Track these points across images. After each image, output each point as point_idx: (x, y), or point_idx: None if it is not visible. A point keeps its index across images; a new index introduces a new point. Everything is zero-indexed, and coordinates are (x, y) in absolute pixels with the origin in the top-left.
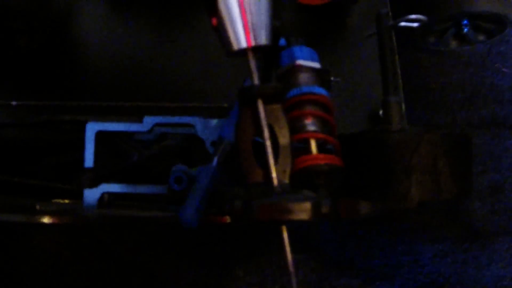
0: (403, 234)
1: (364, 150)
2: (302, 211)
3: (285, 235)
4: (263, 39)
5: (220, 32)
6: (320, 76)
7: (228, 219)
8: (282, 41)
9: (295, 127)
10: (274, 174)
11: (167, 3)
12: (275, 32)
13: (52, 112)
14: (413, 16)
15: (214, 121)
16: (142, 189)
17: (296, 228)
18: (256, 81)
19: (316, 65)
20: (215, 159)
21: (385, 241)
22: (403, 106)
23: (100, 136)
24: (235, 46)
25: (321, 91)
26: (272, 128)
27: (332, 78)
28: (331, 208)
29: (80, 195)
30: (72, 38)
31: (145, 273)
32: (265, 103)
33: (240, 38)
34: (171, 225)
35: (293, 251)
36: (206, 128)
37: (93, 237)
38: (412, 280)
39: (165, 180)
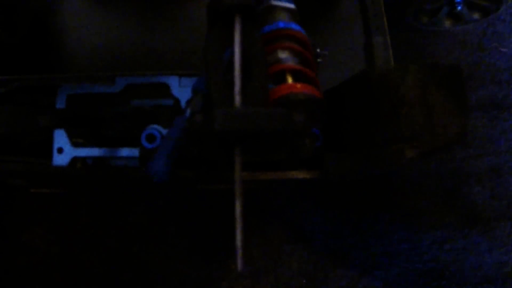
0: (401, 221)
1: (349, 96)
2: (270, 118)
3: (238, 158)
4: None
5: None
6: (295, 16)
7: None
8: None
9: (271, 61)
10: (237, 92)
11: None
12: None
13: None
14: None
15: (188, 80)
16: (114, 152)
17: (290, 218)
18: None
19: (291, 5)
20: (188, 110)
21: (381, 229)
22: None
23: (73, 101)
24: None
25: (297, 27)
26: (247, 54)
27: (318, 50)
28: (305, 122)
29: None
30: (51, 30)
31: (137, 265)
32: (242, 21)
33: None
34: (142, 180)
35: (288, 241)
36: (181, 86)
37: (81, 232)
38: (410, 268)
39: (139, 144)
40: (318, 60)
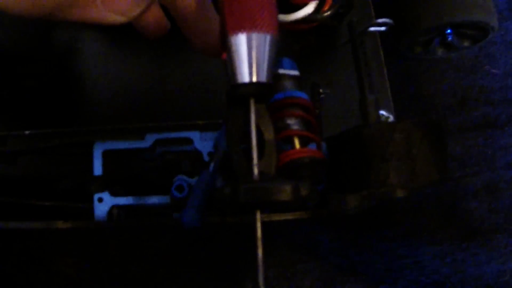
0: (403, 238)
1: (346, 146)
2: (282, 192)
3: (258, 218)
4: (264, 77)
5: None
6: (299, 82)
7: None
8: None
9: (280, 127)
10: (255, 167)
11: (163, 37)
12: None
13: (62, 138)
14: (380, 20)
15: (209, 134)
16: (147, 200)
17: (302, 240)
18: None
19: (296, 73)
20: (212, 165)
21: (385, 246)
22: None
23: (107, 155)
24: (239, 80)
25: (302, 94)
26: (258, 126)
27: (321, 91)
28: (311, 192)
29: (91, 214)
30: (74, 74)
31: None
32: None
33: (244, 74)
34: (176, 228)
35: (299, 261)
36: (203, 140)
37: (110, 260)
38: (414, 281)
39: (168, 191)
40: (321, 96)
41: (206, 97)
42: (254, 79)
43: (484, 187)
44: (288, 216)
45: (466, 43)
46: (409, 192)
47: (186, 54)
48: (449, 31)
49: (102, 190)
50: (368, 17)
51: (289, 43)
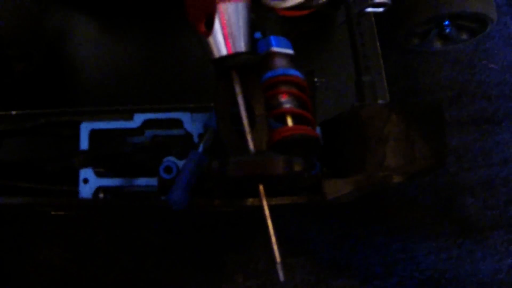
0: (398, 233)
1: (342, 128)
2: (275, 165)
3: (263, 193)
4: (242, 47)
5: (204, 42)
6: (293, 61)
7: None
8: (258, 34)
9: (273, 105)
10: (250, 140)
11: (151, 21)
12: (251, 25)
13: (48, 118)
14: (377, 0)
15: (200, 116)
16: (134, 181)
17: (294, 233)
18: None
19: (290, 51)
20: (201, 146)
21: (380, 241)
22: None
23: (94, 135)
24: (216, 54)
25: (295, 72)
26: (248, 99)
27: (316, 79)
28: (304, 168)
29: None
30: (65, 57)
31: (148, 281)
32: (240, 74)
33: (221, 47)
34: (162, 210)
35: (291, 254)
36: (193, 122)
37: (98, 251)
38: (408, 277)
39: (157, 173)
40: (317, 84)
41: (197, 81)
42: (232, 50)
43: (481, 182)
44: (280, 201)
45: (464, 36)
46: (406, 180)
47: (177, 37)
48: (447, 22)
49: (86, 165)
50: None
51: (285, 30)
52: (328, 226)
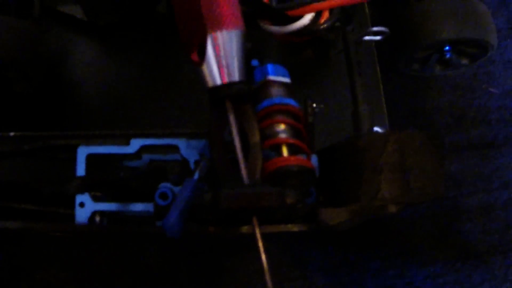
0: (394, 258)
1: (338, 157)
2: (267, 198)
3: (256, 224)
4: (236, 76)
5: (199, 72)
6: (290, 90)
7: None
8: (255, 62)
9: (268, 135)
10: (243, 170)
11: (150, 47)
12: (247, 54)
13: (46, 140)
14: (375, 29)
15: (196, 142)
16: (130, 207)
17: (290, 257)
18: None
19: (287, 80)
20: (196, 173)
21: (376, 266)
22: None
23: (91, 159)
24: (210, 83)
25: (291, 102)
26: (242, 128)
27: (315, 105)
28: (297, 201)
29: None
30: (64, 80)
31: None
32: (234, 104)
33: (215, 77)
34: (157, 236)
35: (287, 279)
36: (189, 148)
37: (95, 271)
38: None
39: (153, 199)
40: (315, 110)
41: (194, 106)
42: (226, 79)
43: (479, 207)
44: (276, 229)
45: (464, 61)
46: (401, 209)
47: (176, 63)
48: (447, 48)
49: (82, 191)
50: (365, 29)
51: (284, 56)
52: (324, 251)
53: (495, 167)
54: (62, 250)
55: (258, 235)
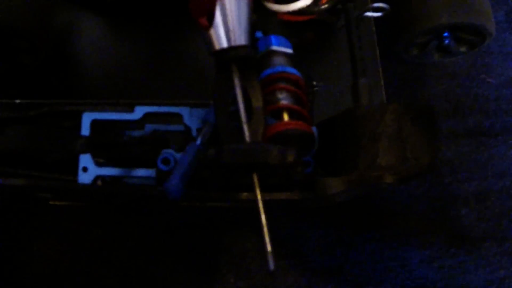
0: (390, 240)
1: (337, 128)
2: (269, 154)
3: (256, 181)
4: (242, 40)
5: (206, 35)
6: (292, 60)
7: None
8: (259, 34)
9: (270, 101)
10: (246, 130)
11: (156, 20)
12: (252, 23)
13: (51, 107)
14: (375, 5)
15: (199, 111)
16: (133, 172)
17: (287, 235)
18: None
19: (289, 50)
20: (199, 138)
21: (372, 247)
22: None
23: (96, 126)
24: (217, 46)
25: (293, 70)
26: (246, 92)
27: (315, 83)
28: (296, 159)
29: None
30: (70, 53)
31: (140, 278)
32: (239, 68)
33: (222, 40)
34: (158, 199)
35: (284, 256)
36: (192, 116)
37: (93, 244)
38: (400, 285)
39: (155, 166)
40: (315, 89)
41: (197, 80)
42: (232, 43)
43: (475, 194)
44: (275, 196)
45: (463, 48)
46: (397, 182)
47: (181, 37)
48: (446, 34)
49: (86, 151)
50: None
51: (287, 36)
52: (321, 231)
53: (491, 155)
54: (62, 223)
55: (258, 193)
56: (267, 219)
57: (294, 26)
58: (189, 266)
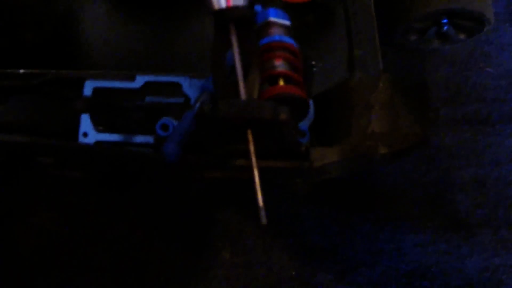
0: (386, 223)
1: (333, 99)
2: (263, 109)
3: (250, 138)
4: (240, 0)
5: None
6: (290, 32)
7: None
8: (258, 7)
9: (267, 68)
10: (242, 88)
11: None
12: None
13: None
14: None
15: (197, 81)
16: (132, 138)
17: (282, 214)
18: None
19: (287, 22)
20: (197, 105)
21: (367, 229)
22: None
23: (97, 94)
24: (216, 6)
25: (290, 40)
26: (243, 53)
27: (313, 63)
28: (290, 118)
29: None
30: (74, 30)
31: (136, 253)
32: (237, 28)
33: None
34: (154, 161)
35: (279, 235)
36: (191, 86)
37: (91, 217)
38: (394, 268)
39: (154, 133)
40: (314, 69)
41: (199, 53)
42: (231, 3)
43: (471, 181)
44: (269, 164)
45: (461, 36)
46: (391, 155)
47: (183, 17)
48: (445, 20)
49: (86, 111)
50: None
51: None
52: (317, 211)
53: (488, 144)
54: (56, 195)
55: (252, 150)
56: (260, 176)
57: (295, 8)
58: (185, 242)
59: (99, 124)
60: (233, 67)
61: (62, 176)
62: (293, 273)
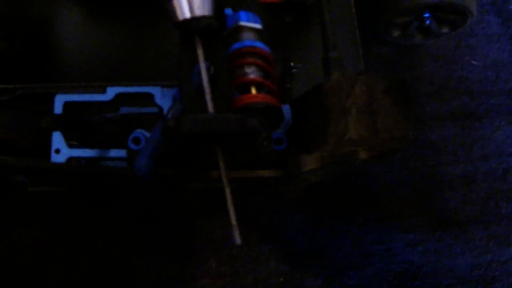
0: (374, 224)
1: (308, 103)
2: (227, 122)
3: (219, 154)
4: (205, 10)
5: (169, 6)
6: (261, 35)
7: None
8: (228, 11)
9: (238, 75)
10: (209, 100)
11: (128, 6)
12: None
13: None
14: None
15: (170, 90)
16: (105, 153)
17: (268, 220)
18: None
19: (258, 26)
20: (168, 116)
21: (355, 231)
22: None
23: (68, 108)
24: (180, 17)
25: (261, 45)
26: (210, 64)
27: (292, 64)
28: (258, 127)
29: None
30: (47, 41)
31: (121, 265)
32: (203, 39)
33: (184, 10)
34: (129, 176)
35: (265, 241)
36: (164, 96)
37: (73, 232)
38: (384, 269)
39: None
40: (293, 70)
41: (170, 62)
42: (195, 13)
43: (460, 177)
44: (245, 174)
45: (445, 29)
46: (372, 157)
47: (153, 25)
48: (427, 14)
49: (55, 128)
50: None
51: (264, 19)
52: (303, 214)
53: (476, 138)
54: (41, 211)
55: (222, 166)
56: (232, 193)
57: (272, 8)
58: (170, 253)
59: (72, 139)
60: (200, 76)
61: (42, 192)
62: (281, 279)
